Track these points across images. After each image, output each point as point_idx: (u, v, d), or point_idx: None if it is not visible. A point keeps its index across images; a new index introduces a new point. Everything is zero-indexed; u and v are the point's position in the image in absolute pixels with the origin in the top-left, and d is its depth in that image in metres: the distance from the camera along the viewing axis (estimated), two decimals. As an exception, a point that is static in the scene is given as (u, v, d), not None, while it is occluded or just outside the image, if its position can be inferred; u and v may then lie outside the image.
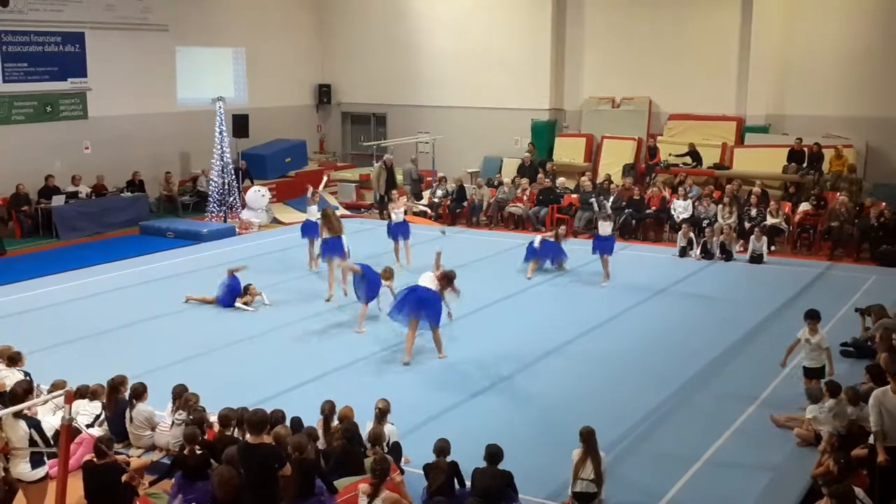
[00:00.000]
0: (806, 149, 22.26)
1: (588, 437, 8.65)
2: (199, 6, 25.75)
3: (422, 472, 8.65)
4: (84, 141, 23.30)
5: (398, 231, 18.29)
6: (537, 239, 17.92)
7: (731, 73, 24.06)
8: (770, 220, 19.92)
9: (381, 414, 9.35)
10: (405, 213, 18.93)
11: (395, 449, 9.17)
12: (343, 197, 26.10)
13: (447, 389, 11.81)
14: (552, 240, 17.93)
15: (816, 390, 9.98)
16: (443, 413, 11.03)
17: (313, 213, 17.84)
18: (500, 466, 8.45)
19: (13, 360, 10.72)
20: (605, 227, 17.14)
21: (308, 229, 18.12)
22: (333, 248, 15.45)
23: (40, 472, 8.10)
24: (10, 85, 21.63)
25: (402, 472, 8.82)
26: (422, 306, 12.63)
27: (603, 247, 17.03)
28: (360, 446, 8.96)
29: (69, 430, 7.37)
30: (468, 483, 8.52)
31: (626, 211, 21.44)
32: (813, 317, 11.35)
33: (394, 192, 20.50)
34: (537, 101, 26.45)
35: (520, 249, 18.51)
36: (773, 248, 19.45)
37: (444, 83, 27.62)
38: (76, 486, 8.51)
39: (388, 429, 9.30)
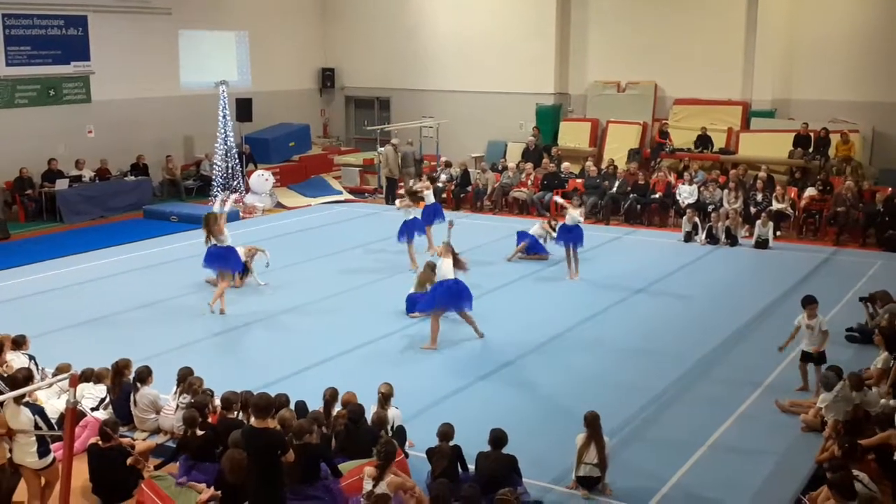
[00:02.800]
0: (812, 134, 22.19)
1: (592, 422, 8.65)
2: (203, -11, 25.68)
3: (426, 457, 8.65)
4: (87, 125, 23.25)
5: (434, 215, 17.71)
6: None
7: (737, 58, 23.93)
8: (776, 206, 19.86)
9: (385, 398, 9.35)
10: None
11: (400, 433, 9.17)
12: (347, 181, 26.05)
13: (452, 374, 11.82)
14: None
15: (830, 378, 9.96)
16: (447, 397, 11.04)
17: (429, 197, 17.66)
18: (505, 451, 8.45)
19: (17, 343, 10.74)
20: (572, 215, 16.31)
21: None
22: (223, 259, 14.45)
23: (48, 459, 8.10)
24: (13, 69, 21.57)
25: (407, 455, 8.84)
26: (457, 298, 12.75)
27: (569, 237, 16.36)
28: (365, 428, 8.95)
29: (74, 414, 7.38)
30: (472, 467, 8.53)
31: (631, 196, 21.39)
32: (810, 302, 11.31)
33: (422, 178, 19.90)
34: (542, 86, 26.35)
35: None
36: (778, 233, 19.39)
37: (448, 67, 27.52)
38: (81, 468, 8.53)
39: (392, 413, 9.31)
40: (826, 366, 10.74)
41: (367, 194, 25.37)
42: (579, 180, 22.70)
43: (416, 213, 17.28)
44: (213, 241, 14.46)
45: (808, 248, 18.96)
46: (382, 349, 12.79)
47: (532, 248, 17.75)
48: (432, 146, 26.18)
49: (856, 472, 8.01)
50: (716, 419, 10.34)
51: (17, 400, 7.83)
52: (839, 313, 13.92)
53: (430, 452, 8.55)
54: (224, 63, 26.32)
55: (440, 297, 12.74)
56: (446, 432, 8.59)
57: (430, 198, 17.85)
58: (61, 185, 21.51)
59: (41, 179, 21.76)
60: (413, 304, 13.98)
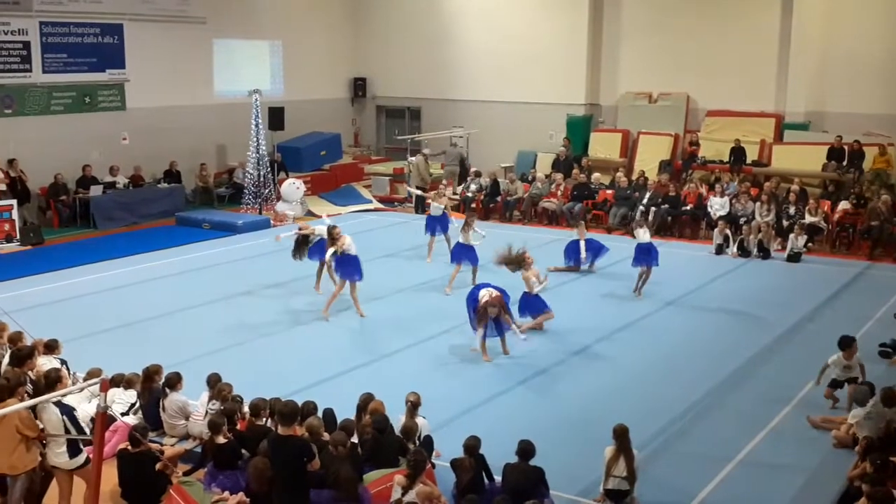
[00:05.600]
0: (846, 147, 21.97)
1: (621, 435, 8.58)
2: (237, -1, 25.92)
3: (451, 467, 8.62)
4: (122, 132, 23.49)
5: (437, 224, 18.13)
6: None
7: (770, 69, 23.77)
8: (809, 219, 19.67)
9: (413, 407, 9.34)
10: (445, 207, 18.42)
11: (427, 443, 9.15)
12: (377, 190, 26.14)
13: (480, 384, 11.80)
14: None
15: (863, 394, 9.82)
16: (475, 407, 11.02)
17: (437, 210, 18.02)
18: (532, 462, 8.41)
19: (50, 347, 10.83)
20: (643, 234, 16.05)
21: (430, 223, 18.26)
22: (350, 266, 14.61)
23: (80, 459, 8.16)
24: (49, 76, 21.87)
25: (434, 465, 8.82)
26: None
27: (647, 259, 15.88)
28: (391, 438, 8.95)
29: (104, 418, 7.42)
30: (497, 477, 8.49)
31: (663, 207, 21.27)
32: (849, 345, 11.02)
33: (441, 184, 20.20)
34: (573, 96, 26.30)
35: (555, 245, 18.42)
36: (809, 245, 19.17)
37: (479, 77, 27.56)
38: (111, 473, 8.59)
39: (419, 422, 9.29)
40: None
41: (396, 203, 25.42)
42: (609, 191, 22.60)
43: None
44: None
45: (842, 262, 18.76)
46: (411, 358, 12.79)
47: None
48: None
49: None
50: (746, 434, 10.24)
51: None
52: (872, 328, 13.77)
53: (455, 464, 8.53)
54: (257, 72, 26.53)
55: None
56: (472, 445, 8.54)
57: (438, 209, 18.06)
58: (95, 191, 21.74)
59: (75, 185, 22.02)
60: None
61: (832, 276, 17.43)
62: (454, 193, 24.15)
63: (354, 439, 8.94)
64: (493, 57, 27.20)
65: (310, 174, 26.00)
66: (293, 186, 23.30)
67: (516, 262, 13.77)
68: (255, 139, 23.02)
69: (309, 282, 16.10)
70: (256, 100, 23.00)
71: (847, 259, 19.03)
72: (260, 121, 23.12)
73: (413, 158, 24.43)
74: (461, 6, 27.99)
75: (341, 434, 8.44)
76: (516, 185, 23.63)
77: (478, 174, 24.29)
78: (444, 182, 22.70)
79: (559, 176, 23.47)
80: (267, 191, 23.41)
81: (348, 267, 14.46)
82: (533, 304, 13.85)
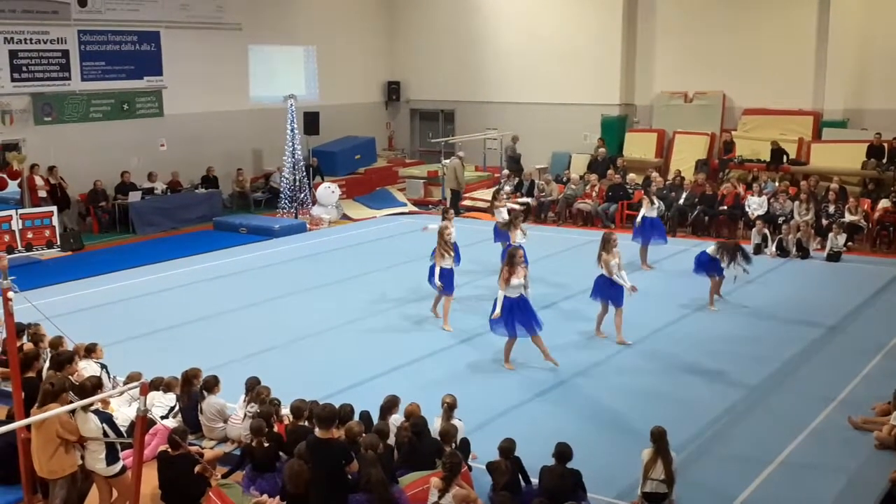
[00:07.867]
0: (886, 144, 21.67)
1: (659, 438, 8.52)
2: (272, 5, 26.08)
3: (487, 470, 8.61)
4: (160, 138, 23.74)
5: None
6: None
7: (808, 67, 23.50)
8: (848, 218, 19.42)
9: (449, 409, 9.33)
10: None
11: (464, 445, 9.14)
12: (411, 193, 26.19)
13: (517, 386, 11.77)
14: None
15: None
16: (512, 409, 10.99)
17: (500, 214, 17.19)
18: (569, 465, 8.38)
19: (90, 352, 10.97)
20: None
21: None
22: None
23: (116, 468, 8.26)
24: (88, 83, 22.15)
25: (470, 468, 8.81)
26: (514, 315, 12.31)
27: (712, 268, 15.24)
28: (428, 440, 8.95)
29: (144, 422, 7.50)
30: (534, 480, 8.47)
31: (699, 207, 21.11)
32: None
33: (502, 192, 19.24)
34: (607, 96, 26.19)
35: (589, 247, 18.30)
36: (848, 244, 18.93)
37: (513, 79, 27.53)
38: (151, 476, 8.68)
39: (455, 424, 9.28)
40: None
41: (430, 206, 25.45)
42: (645, 191, 22.44)
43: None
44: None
45: (882, 261, 18.50)
46: (446, 360, 12.79)
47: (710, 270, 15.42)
48: (496, 158, 26.20)
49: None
50: (786, 435, 10.12)
51: (86, 408, 8.00)
52: (914, 328, 13.56)
53: (491, 467, 8.52)
54: (292, 77, 26.74)
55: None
56: (508, 448, 8.52)
57: (502, 214, 17.18)
58: (134, 197, 22.01)
59: (114, 192, 22.28)
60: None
61: (872, 276, 17.19)
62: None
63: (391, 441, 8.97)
64: (526, 58, 27.16)
65: (345, 178, 26.12)
66: (328, 190, 23.45)
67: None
68: (290, 144, 23.17)
69: (344, 285, 16.15)
70: (292, 105, 23.15)
71: (887, 258, 18.76)
72: (295, 126, 23.28)
73: (448, 161, 24.43)
74: (494, 8, 27.99)
75: (373, 437, 8.46)
76: (551, 187, 23.58)
77: (509, 176, 24.24)
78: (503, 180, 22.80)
79: (594, 177, 23.38)
80: (303, 195, 23.54)
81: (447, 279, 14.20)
82: (607, 290, 13.48)
